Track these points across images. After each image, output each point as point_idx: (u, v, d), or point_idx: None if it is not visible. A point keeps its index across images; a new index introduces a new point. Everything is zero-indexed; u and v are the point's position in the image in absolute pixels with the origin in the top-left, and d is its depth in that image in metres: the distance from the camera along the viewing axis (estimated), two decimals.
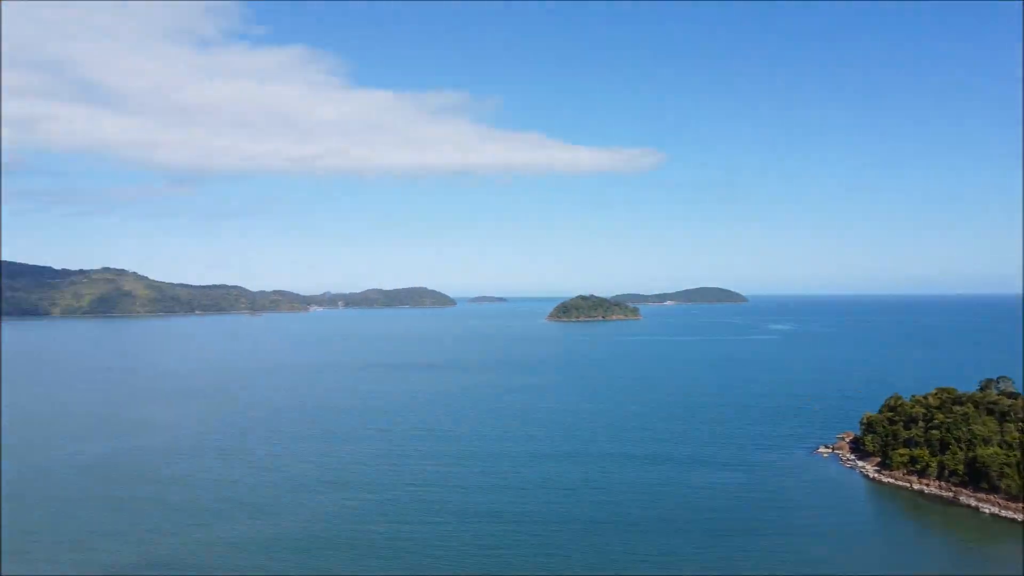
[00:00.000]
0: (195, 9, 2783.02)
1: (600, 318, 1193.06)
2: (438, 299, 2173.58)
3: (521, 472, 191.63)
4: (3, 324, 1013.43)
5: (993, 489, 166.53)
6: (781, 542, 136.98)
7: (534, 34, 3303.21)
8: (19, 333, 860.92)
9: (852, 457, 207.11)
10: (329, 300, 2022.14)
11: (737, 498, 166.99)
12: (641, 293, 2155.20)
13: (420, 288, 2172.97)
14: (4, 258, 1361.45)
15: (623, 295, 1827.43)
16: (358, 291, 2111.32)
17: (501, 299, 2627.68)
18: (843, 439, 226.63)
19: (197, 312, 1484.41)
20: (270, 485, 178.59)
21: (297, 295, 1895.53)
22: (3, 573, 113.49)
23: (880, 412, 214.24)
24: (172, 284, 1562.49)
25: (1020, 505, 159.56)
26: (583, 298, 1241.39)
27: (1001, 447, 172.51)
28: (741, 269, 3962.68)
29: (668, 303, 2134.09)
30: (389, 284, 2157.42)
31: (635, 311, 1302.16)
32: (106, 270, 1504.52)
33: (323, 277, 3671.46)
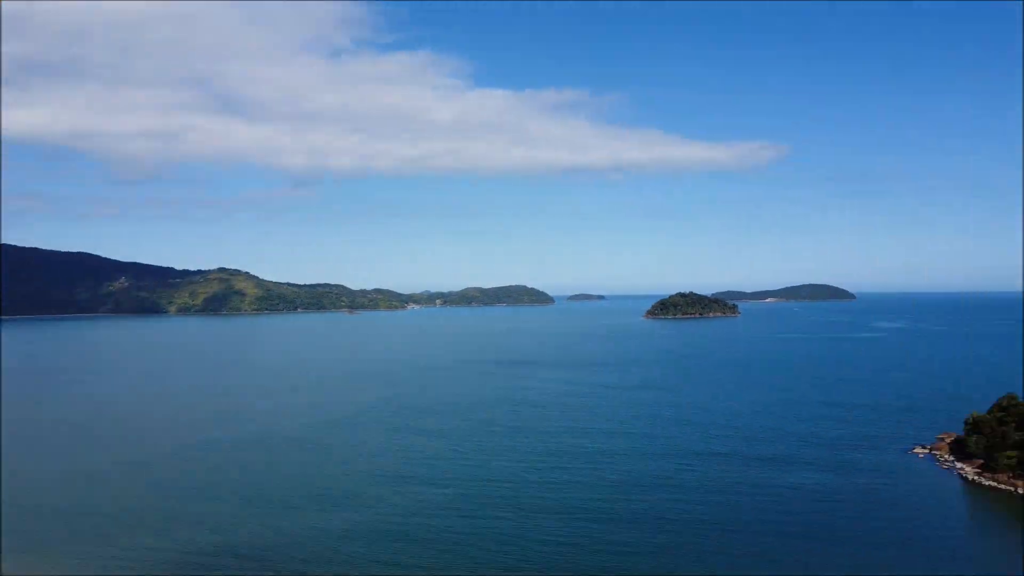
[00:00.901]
0: (329, 21, 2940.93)
1: (697, 315, 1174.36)
2: (536, 297, 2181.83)
3: (611, 469, 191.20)
4: (123, 320, 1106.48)
5: None
6: (856, 550, 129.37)
7: (658, 34, 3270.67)
8: (128, 329, 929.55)
9: (951, 459, 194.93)
10: (427, 298, 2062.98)
11: (816, 500, 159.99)
12: (741, 290, 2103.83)
13: (518, 286, 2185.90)
14: (133, 259, 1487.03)
15: (723, 292, 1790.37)
16: (457, 289, 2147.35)
17: (600, 297, 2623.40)
18: (943, 439, 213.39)
19: (299, 310, 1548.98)
20: (357, 475, 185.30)
21: (397, 293, 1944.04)
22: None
23: (990, 412, 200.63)
24: (279, 283, 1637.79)
25: None
26: (681, 295, 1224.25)
27: None
28: (850, 264, 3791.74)
29: (769, 300, 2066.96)
30: (488, 282, 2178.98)
31: (734, 308, 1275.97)
32: (221, 270, 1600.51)
33: (424, 276, 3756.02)
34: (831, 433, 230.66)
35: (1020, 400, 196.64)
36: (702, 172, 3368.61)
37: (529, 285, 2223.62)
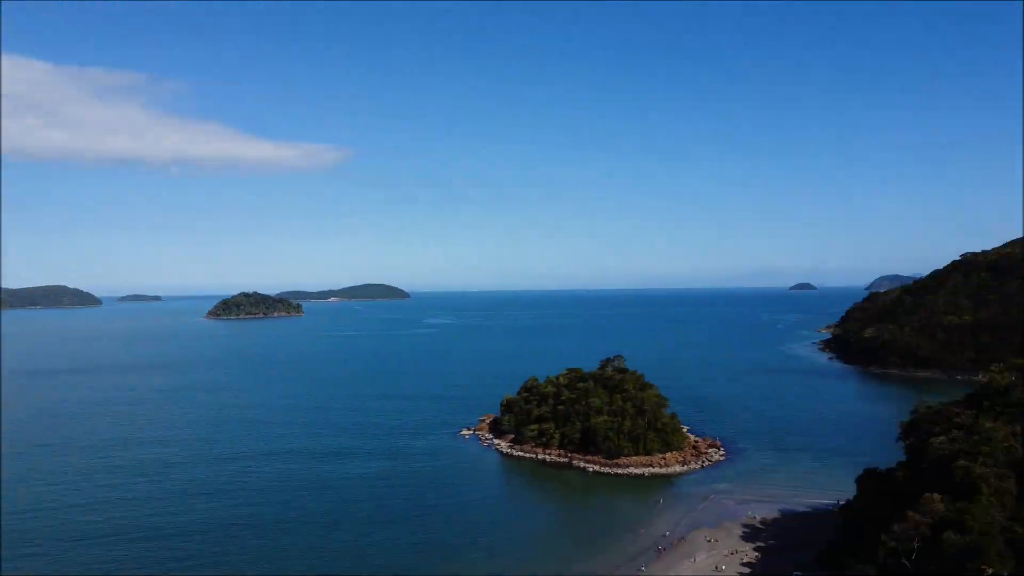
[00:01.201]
0: None
1: (262, 315, 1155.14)
2: (80, 298, 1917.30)
3: (162, 480, 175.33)
4: None
5: (598, 450, 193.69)
6: (421, 523, 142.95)
7: (223, 25, 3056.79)
8: None
9: (490, 436, 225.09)
10: None
11: (379, 486, 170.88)
12: (306, 290, 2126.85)
13: (58, 287, 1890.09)
14: None
15: (288, 292, 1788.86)
16: None
17: (156, 297, 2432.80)
18: (484, 421, 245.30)
19: None
20: None
21: None
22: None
23: (518, 394, 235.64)
24: None
25: (614, 462, 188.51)
26: (245, 295, 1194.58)
27: (609, 415, 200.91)
28: (405, 265, 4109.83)
29: (333, 299, 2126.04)
30: (19, 282, 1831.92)
31: (298, 308, 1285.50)
32: None
33: None
34: (390, 423, 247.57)
35: (540, 382, 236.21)
36: (266, 171, 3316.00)
37: (71, 286, 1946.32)
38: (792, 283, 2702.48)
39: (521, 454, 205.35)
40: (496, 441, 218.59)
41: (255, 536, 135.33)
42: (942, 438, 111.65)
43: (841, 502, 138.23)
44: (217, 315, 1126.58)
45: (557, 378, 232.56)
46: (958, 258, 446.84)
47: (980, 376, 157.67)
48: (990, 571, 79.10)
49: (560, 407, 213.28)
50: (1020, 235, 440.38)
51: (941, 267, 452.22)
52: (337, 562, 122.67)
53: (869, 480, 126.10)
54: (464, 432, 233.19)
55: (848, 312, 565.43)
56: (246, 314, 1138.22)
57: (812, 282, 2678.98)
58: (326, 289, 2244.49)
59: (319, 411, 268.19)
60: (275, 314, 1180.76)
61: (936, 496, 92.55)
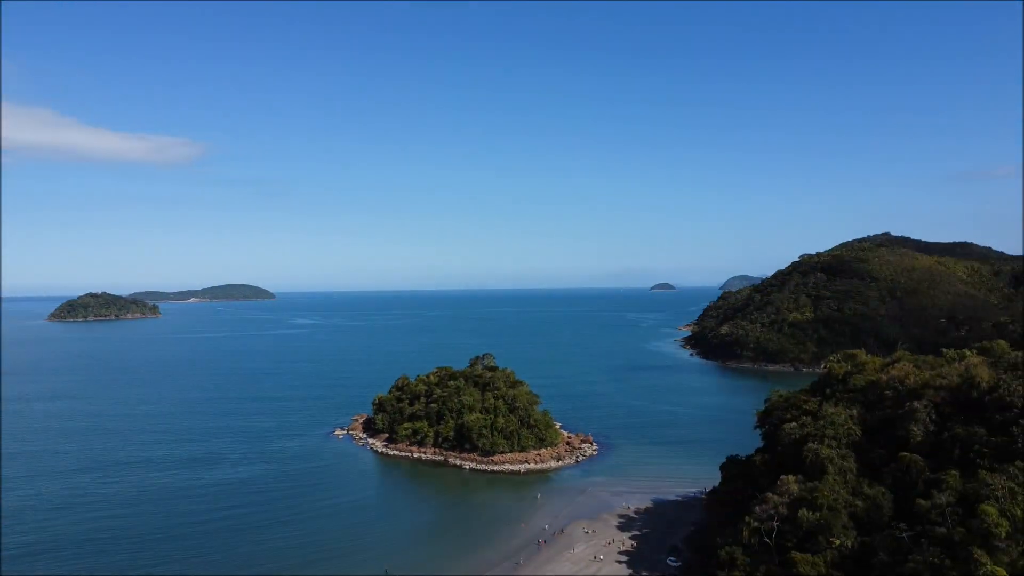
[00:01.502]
0: None
1: (114, 317, 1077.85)
2: None
3: (7, 497, 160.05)
4: None
5: (474, 448, 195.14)
6: (301, 526, 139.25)
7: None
8: None
9: (364, 436, 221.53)
10: None
11: (253, 490, 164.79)
12: (163, 291, 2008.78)
13: None
14: None
15: (142, 292, 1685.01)
16: None
17: None
18: (357, 420, 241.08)
19: None
20: None
21: None
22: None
23: (390, 392, 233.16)
24: None
25: (490, 459, 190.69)
26: (93, 296, 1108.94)
27: (482, 413, 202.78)
28: (270, 265, 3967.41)
29: (192, 300, 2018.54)
30: None
31: (155, 309, 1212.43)
32: None
33: None
34: (261, 425, 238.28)
35: (411, 380, 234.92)
36: (110, 163, 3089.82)
37: None
38: (653, 283, 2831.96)
39: (397, 453, 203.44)
40: (371, 441, 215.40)
41: (123, 550, 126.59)
42: (793, 424, 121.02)
43: (707, 489, 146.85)
44: (61, 317, 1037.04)
45: (428, 376, 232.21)
46: (797, 259, 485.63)
47: (822, 366, 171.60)
48: (836, 543, 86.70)
49: (432, 405, 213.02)
50: (849, 239, 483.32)
51: (783, 267, 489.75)
52: (216, 571, 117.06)
53: (731, 466, 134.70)
54: (338, 432, 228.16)
55: (705, 311, 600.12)
56: (95, 316, 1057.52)
57: (671, 282, 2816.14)
58: (185, 289, 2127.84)
59: (186, 415, 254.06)
60: (129, 316, 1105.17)
61: (791, 477, 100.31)
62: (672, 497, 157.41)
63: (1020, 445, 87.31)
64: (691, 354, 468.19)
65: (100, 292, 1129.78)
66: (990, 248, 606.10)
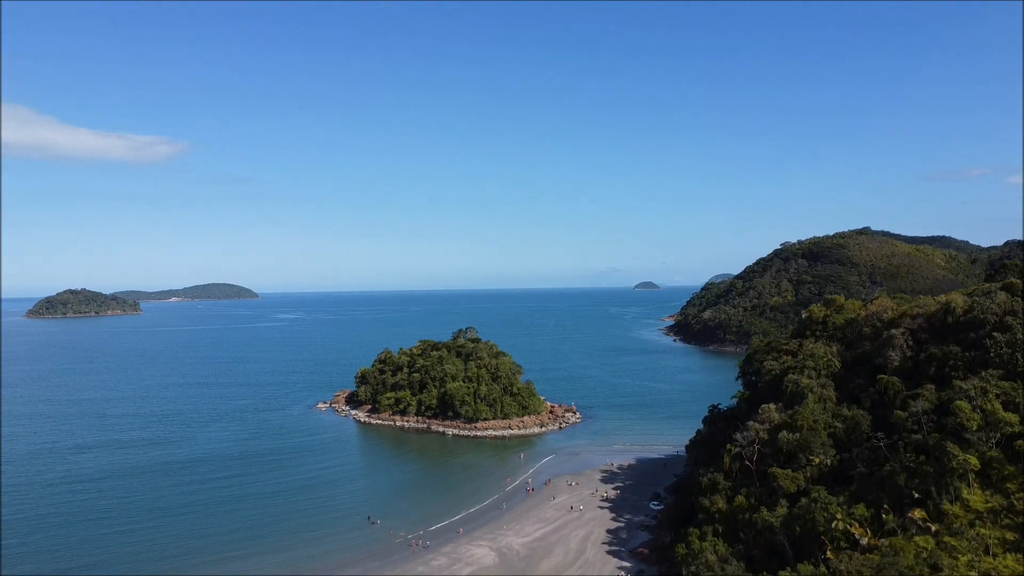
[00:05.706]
0: None
1: (94, 314, 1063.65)
2: None
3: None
4: None
5: (457, 416, 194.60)
6: (290, 498, 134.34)
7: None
8: None
9: (347, 408, 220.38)
10: None
11: (241, 463, 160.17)
12: (144, 290, 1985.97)
13: None
14: None
15: (124, 291, 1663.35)
16: None
17: None
18: (339, 395, 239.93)
19: None
20: None
21: None
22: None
23: (373, 365, 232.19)
24: None
25: (473, 425, 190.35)
26: (72, 292, 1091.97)
27: (465, 381, 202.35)
28: (253, 265, 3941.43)
29: (174, 299, 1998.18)
30: None
31: (135, 306, 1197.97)
32: None
33: None
34: (241, 403, 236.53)
35: (394, 354, 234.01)
36: (89, 162, 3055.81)
37: None
38: (636, 283, 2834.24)
39: (379, 422, 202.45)
40: (353, 412, 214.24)
41: (108, 527, 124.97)
42: (773, 362, 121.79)
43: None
44: (39, 314, 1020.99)
45: (411, 349, 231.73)
46: (778, 247, 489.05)
47: (802, 315, 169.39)
48: (816, 460, 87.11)
49: (415, 375, 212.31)
50: (830, 233, 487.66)
51: (765, 255, 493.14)
52: (222, 541, 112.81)
53: (714, 414, 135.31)
54: (320, 406, 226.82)
55: (688, 301, 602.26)
56: (74, 313, 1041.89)
57: (655, 281, 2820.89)
58: (166, 289, 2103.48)
59: (165, 401, 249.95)
60: (109, 312, 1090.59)
61: (772, 406, 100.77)
62: (655, 456, 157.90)
63: (992, 355, 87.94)
64: (674, 340, 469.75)
65: (79, 289, 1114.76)
66: (967, 242, 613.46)
